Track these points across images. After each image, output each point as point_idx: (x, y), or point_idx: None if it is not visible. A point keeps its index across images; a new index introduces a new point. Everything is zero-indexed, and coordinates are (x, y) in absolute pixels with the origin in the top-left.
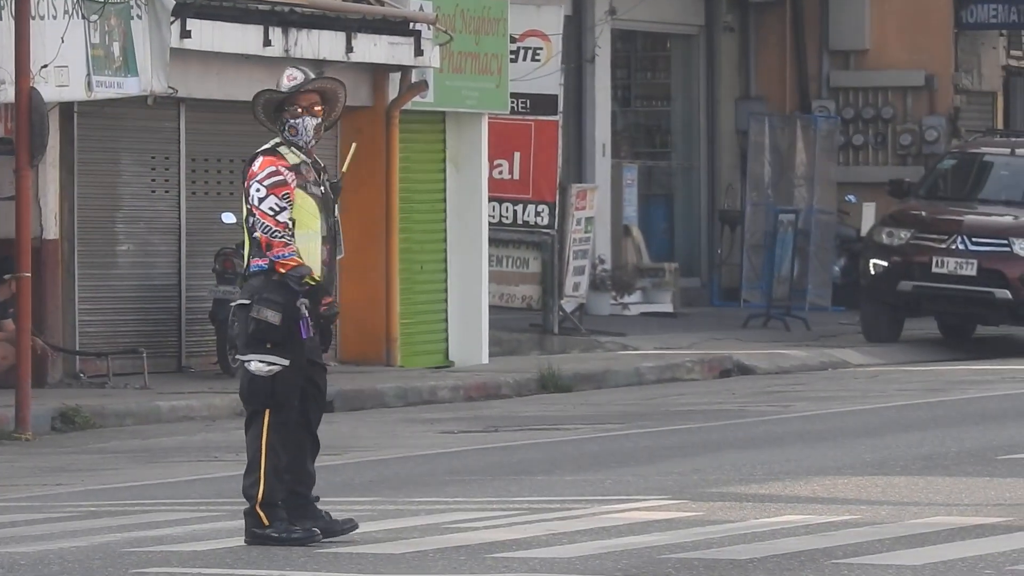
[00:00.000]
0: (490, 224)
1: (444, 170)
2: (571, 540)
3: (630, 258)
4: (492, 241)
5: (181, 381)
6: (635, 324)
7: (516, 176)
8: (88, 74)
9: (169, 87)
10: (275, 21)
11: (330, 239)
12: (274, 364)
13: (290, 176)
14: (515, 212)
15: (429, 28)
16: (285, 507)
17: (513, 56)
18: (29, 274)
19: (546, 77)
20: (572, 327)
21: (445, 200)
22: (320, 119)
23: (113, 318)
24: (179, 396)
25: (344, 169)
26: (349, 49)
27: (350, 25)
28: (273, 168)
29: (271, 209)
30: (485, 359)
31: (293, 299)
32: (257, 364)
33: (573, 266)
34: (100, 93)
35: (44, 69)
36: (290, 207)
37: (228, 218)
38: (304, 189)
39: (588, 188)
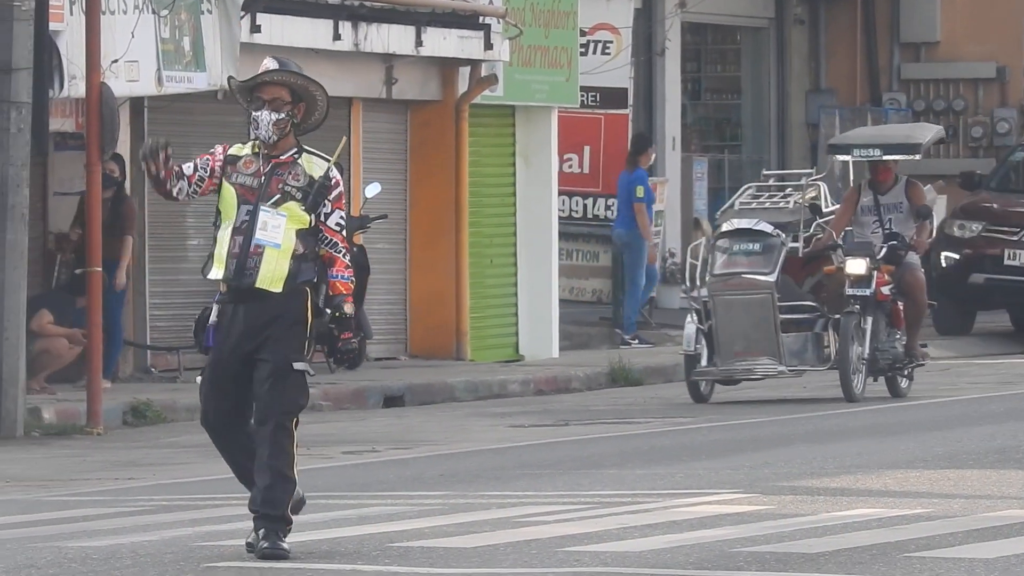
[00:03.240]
0: (560, 218)
1: (514, 164)
2: (642, 534)
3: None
4: (562, 235)
5: None
6: None
7: (586, 170)
8: (158, 69)
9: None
10: (344, 15)
11: (247, 229)
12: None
13: (220, 152)
14: (585, 206)
15: (499, 22)
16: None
17: (583, 49)
18: (100, 269)
19: (616, 70)
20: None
21: (515, 194)
22: (284, 115)
23: (183, 312)
24: None
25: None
26: (419, 43)
27: (420, 19)
28: (213, 148)
29: None
30: (555, 353)
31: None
32: (199, 376)
33: None
34: (170, 88)
35: (114, 64)
36: (200, 166)
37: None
38: (228, 178)
39: (658, 181)
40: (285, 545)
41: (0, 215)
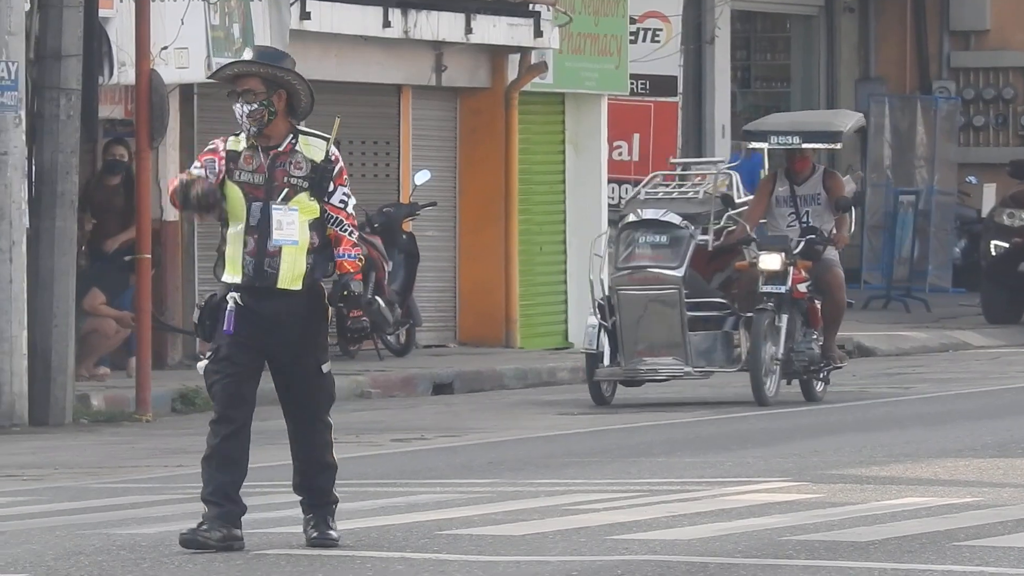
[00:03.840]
0: (609, 205)
1: (563, 152)
2: (691, 522)
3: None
4: (611, 222)
5: None
6: None
7: (635, 157)
8: (208, 56)
9: None
10: (394, 2)
11: (261, 227)
12: (204, 360)
13: (221, 147)
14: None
15: (548, 9)
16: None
17: (632, 37)
18: (149, 255)
19: (666, 58)
20: None
21: (564, 182)
22: (258, 105)
23: None
24: None
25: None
26: (468, 30)
27: (469, 6)
28: (212, 141)
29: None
30: None
31: (221, 293)
32: (200, 361)
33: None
34: None
35: (164, 51)
36: (210, 170)
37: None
38: (232, 177)
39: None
40: (334, 533)
41: (49, 202)
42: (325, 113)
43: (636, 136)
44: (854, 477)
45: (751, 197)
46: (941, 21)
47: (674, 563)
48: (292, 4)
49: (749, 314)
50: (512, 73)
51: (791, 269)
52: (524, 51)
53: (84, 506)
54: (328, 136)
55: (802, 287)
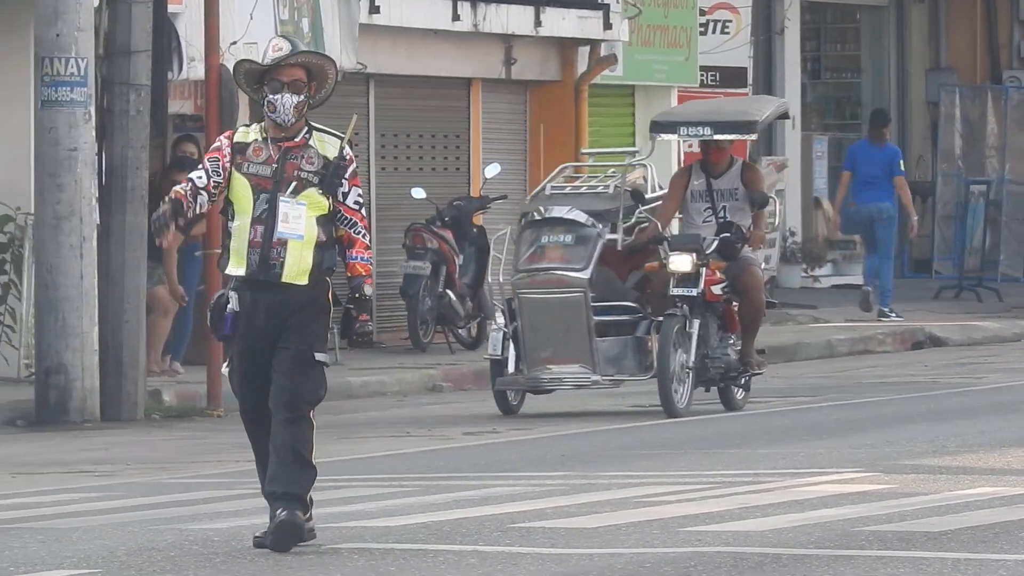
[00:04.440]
0: None
1: (633, 143)
2: (764, 513)
3: (820, 231)
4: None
5: (372, 356)
6: (826, 296)
7: None
8: None
9: (358, 63)
10: None
11: (267, 219)
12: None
13: (226, 145)
14: None
15: (618, 1)
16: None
17: (702, 29)
18: (220, 251)
19: (735, 50)
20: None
21: None
22: (303, 96)
23: None
24: (370, 372)
25: (345, 139)
26: (538, 23)
27: None
28: (217, 138)
29: (190, 176)
30: None
31: (228, 291)
32: (225, 367)
33: None
34: None
35: (233, 46)
36: (212, 171)
37: (418, 193)
38: (240, 169)
39: (778, 160)
40: (304, 518)
41: (119, 197)
42: (396, 107)
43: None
44: (927, 467)
45: (664, 192)
46: (1012, 10)
47: (747, 554)
48: None
49: (660, 318)
50: (582, 66)
51: (703, 270)
52: (594, 43)
53: (156, 502)
54: (343, 135)
55: (717, 289)
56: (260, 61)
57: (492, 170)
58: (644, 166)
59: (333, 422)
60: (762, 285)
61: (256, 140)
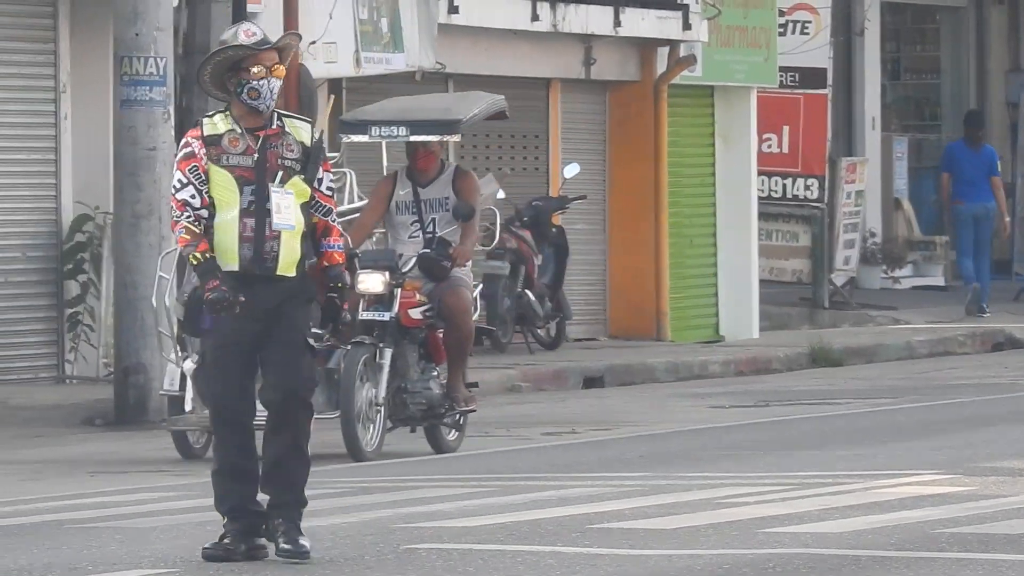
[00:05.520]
0: (759, 198)
1: (713, 144)
2: (843, 515)
3: (901, 231)
4: (761, 215)
5: None
6: (906, 298)
7: (785, 150)
8: (356, 50)
9: (437, 63)
10: None
11: (256, 211)
12: (192, 362)
13: (198, 146)
14: (784, 186)
15: (697, 2)
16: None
17: (782, 29)
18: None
19: (815, 50)
20: (843, 301)
21: (714, 174)
22: (280, 81)
23: None
24: None
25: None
26: (617, 23)
27: None
28: (185, 140)
29: (174, 186)
30: (755, 333)
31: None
32: (188, 363)
33: (843, 239)
34: (368, 69)
35: (313, 45)
36: (199, 183)
37: (488, 187)
38: (218, 162)
39: (858, 161)
40: (306, 543)
41: None
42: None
43: (785, 129)
44: (1007, 470)
45: (364, 202)
46: None
47: (826, 556)
48: None
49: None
50: (661, 66)
51: (399, 291)
52: (673, 44)
53: None
54: (310, 120)
55: (416, 313)
56: (229, 45)
57: (571, 170)
58: (343, 172)
59: None
60: (470, 308)
61: (232, 131)
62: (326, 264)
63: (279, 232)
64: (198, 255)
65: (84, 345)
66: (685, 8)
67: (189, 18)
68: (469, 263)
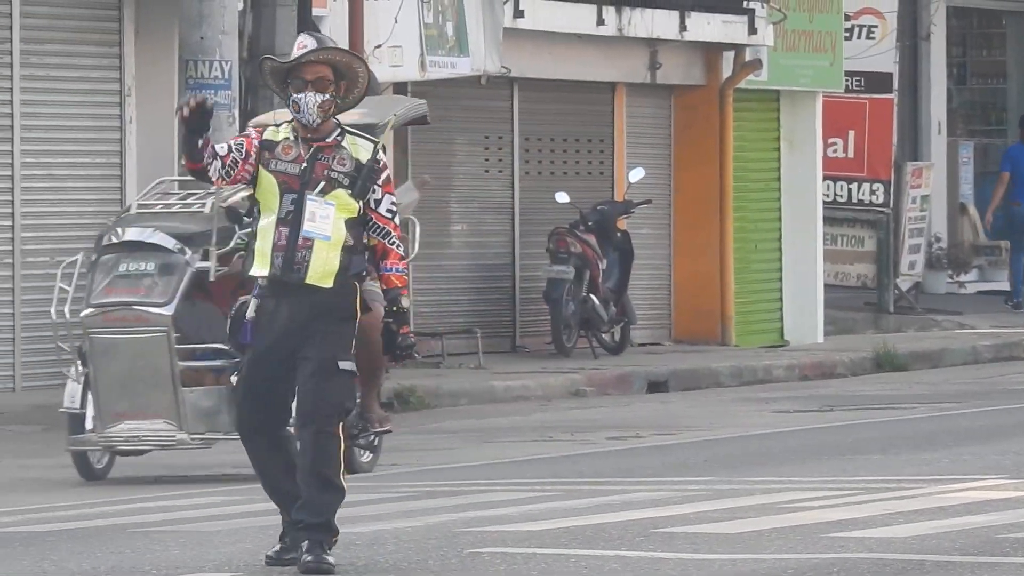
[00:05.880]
0: (824, 202)
1: (778, 148)
2: (907, 520)
3: (966, 236)
4: (826, 219)
5: (515, 361)
6: (971, 302)
7: (850, 154)
8: (422, 54)
9: (502, 67)
10: (608, 0)
11: (292, 220)
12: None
13: (256, 137)
14: (849, 190)
15: (763, 6)
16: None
17: (847, 34)
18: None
19: (881, 55)
20: (908, 305)
21: (779, 179)
22: (329, 95)
23: (447, 298)
24: (514, 376)
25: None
26: (683, 28)
27: (684, 3)
28: (246, 131)
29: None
30: (820, 338)
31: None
32: (234, 376)
33: (908, 244)
34: (434, 73)
35: (378, 49)
36: (236, 147)
37: (562, 197)
38: (267, 166)
39: (924, 166)
40: (330, 558)
41: None
42: (540, 111)
43: (851, 133)
44: None
45: None
46: None
47: (890, 561)
48: (506, 2)
49: None
50: (727, 70)
51: None
52: (738, 48)
53: None
54: (376, 140)
55: None
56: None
57: (636, 174)
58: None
59: (477, 426)
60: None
61: (287, 138)
62: (384, 287)
63: (312, 241)
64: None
65: None
66: (751, 12)
67: (254, 22)
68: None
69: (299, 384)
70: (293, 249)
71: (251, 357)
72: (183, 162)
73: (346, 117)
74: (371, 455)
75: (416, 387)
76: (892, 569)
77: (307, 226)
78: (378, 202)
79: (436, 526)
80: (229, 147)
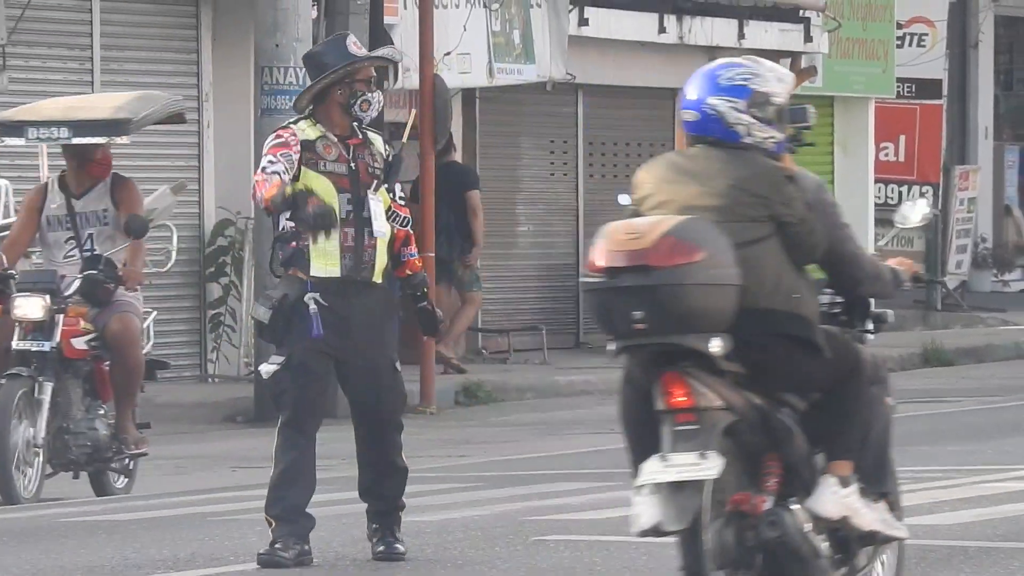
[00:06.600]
0: (875, 205)
1: (832, 153)
2: (952, 508)
3: (1011, 237)
4: (878, 221)
5: (579, 356)
6: (1015, 300)
7: (901, 158)
8: (489, 61)
9: (567, 73)
10: (669, 8)
11: (355, 220)
12: (273, 365)
13: (294, 141)
14: (900, 193)
15: (818, 15)
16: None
17: (899, 42)
18: (433, 254)
19: (931, 62)
20: (954, 303)
21: (833, 182)
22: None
23: (513, 296)
24: (577, 371)
25: (404, 139)
26: (741, 36)
27: (742, 12)
28: (276, 133)
29: (263, 167)
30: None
31: (295, 293)
32: (266, 366)
33: (956, 244)
34: (501, 79)
35: (447, 56)
36: (287, 163)
37: (625, 200)
38: (316, 168)
39: (971, 169)
40: (401, 547)
41: None
42: (603, 116)
43: (902, 138)
44: None
45: (13, 219)
46: None
47: (935, 547)
48: (571, 11)
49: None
50: None
51: (60, 318)
52: (794, 55)
53: None
54: (381, 132)
55: (80, 343)
56: (329, 60)
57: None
58: None
59: (541, 419)
60: (138, 338)
61: (323, 137)
62: (409, 272)
63: (376, 240)
64: (287, 190)
65: (226, 345)
66: (807, 21)
67: (328, 30)
68: (139, 288)
69: (359, 389)
70: (361, 248)
71: (303, 356)
72: (263, 205)
73: (98, 113)
74: (127, 480)
75: (484, 382)
76: (937, 555)
77: (376, 226)
78: (392, 191)
79: (502, 515)
80: (285, 167)
